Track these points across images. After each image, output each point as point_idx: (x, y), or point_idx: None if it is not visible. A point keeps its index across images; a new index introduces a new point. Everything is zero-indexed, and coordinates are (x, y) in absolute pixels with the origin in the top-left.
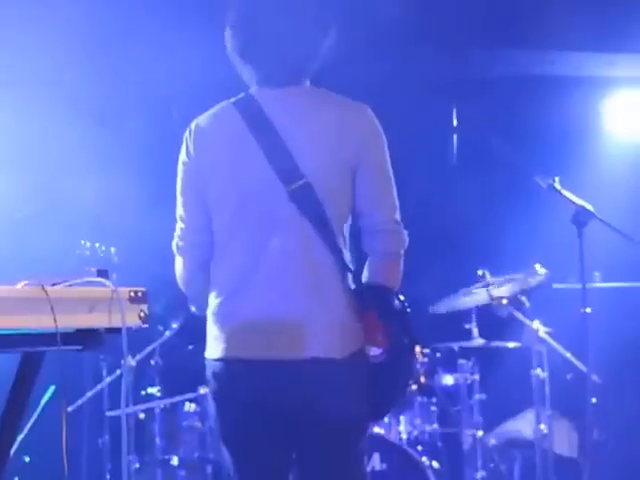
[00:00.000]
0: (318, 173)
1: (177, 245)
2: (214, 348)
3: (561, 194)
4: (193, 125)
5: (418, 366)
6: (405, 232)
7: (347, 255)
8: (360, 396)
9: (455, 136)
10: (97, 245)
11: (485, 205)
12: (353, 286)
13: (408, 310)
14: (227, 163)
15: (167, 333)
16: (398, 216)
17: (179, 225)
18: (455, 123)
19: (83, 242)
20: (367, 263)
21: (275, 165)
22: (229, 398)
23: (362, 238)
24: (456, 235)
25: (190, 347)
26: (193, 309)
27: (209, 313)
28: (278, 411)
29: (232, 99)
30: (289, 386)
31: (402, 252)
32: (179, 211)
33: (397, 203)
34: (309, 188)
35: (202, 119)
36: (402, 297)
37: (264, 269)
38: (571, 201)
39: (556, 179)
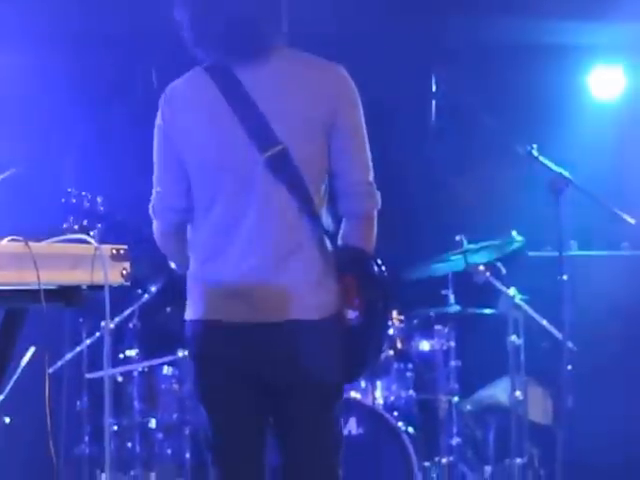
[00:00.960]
0: (293, 138)
1: (153, 208)
2: (194, 310)
3: (539, 161)
4: (168, 90)
5: (395, 332)
6: (378, 193)
7: (325, 218)
8: (336, 358)
9: (434, 102)
10: (83, 194)
11: (463, 171)
12: (330, 248)
13: (386, 275)
14: (202, 131)
15: (146, 296)
16: (372, 177)
17: (156, 188)
18: (434, 89)
19: (70, 190)
20: (342, 225)
21: (250, 131)
22: (208, 359)
23: (336, 199)
24: (433, 201)
25: (169, 310)
26: (173, 266)
27: (189, 276)
28: (256, 373)
29: (205, 64)
30: (267, 348)
31: (375, 213)
32: (155, 173)
33: (371, 164)
34: (285, 154)
35: (177, 84)
36: (380, 262)
37: (242, 234)
38: (549, 168)
39: (534, 146)
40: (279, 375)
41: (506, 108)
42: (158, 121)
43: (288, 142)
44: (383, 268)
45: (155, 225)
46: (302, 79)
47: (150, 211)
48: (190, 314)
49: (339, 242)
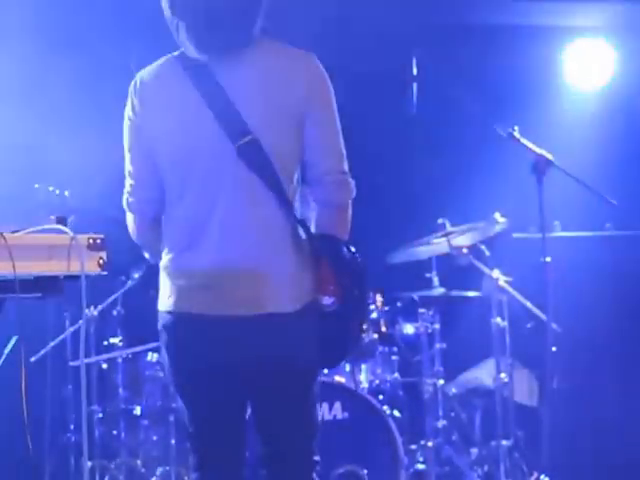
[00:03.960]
0: (265, 127)
1: (127, 201)
2: (166, 301)
3: (521, 143)
4: (138, 79)
5: (379, 315)
6: (352, 181)
7: (298, 206)
8: (312, 347)
9: (415, 85)
10: (51, 189)
11: (445, 154)
12: (304, 236)
13: (359, 260)
14: (172, 120)
15: (129, 283)
16: (346, 166)
17: (128, 181)
18: (415, 72)
19: (37, 186)
20: (315, 213)
21: (221, 121)
22: (180, 351)
23: (310, 188)
24: (416, 184)
25: (152, 297)
26: (147, 256)
27: (162, 267)
28: (230, 365)
29: (175, 52)
30: (240, 341)
31: (350, 202)
32: (128, 167)
33: (344, 152)
34: (256, 143)
35: (146, 74)
36: (352, 247)
37: (214, 225)
38: (531, 150)
39: (515, 128)
40: (254, 367)
41: (487, 90)
42: (128, 112)
43: (259, 132)
44: (355, 253)
45: (130, 219)
46: (274, 68)
47: (124, 204)
48: (162, 305)
49: (313, 230)
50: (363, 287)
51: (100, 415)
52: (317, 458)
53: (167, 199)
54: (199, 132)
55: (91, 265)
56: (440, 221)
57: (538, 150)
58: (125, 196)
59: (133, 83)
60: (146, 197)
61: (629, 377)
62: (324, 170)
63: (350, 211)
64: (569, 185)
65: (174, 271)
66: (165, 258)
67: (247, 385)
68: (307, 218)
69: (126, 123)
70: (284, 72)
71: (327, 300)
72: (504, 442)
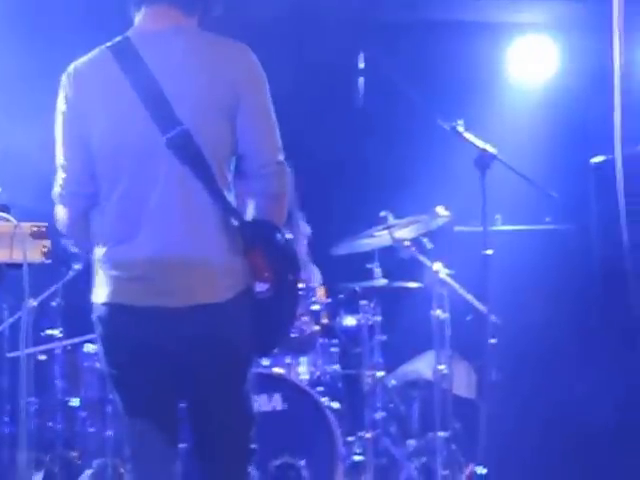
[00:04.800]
0: (196, 119)
1: (59, 194)
2: (100, 293)
3: (464, 137)
4: (70, 70)
5: (320, 307)
6: (289, 170)
7: (231, 196)
8: (245, 336)
9: (361, 79)
10: None
11: (390, 148)
12: (237, 225)
13: (293, 247)
14: (104, 112)
15: (70, 274)
16: (281, 155)
17: (60, 174)
18: (361, 66)
19: None
20: (252, 204)
21: (152, 112)
22: (114, 342)
23: (246, 180)
24: (360, 177)
25: (92, 288)
26: (75, 250)
27: (96, 259)
28: (163, 356)
29: (108, 43)
30: (174, 332)
31: (285, 192)
32: (59, 159)
33: (280, 142)
34: (187, 135)
35: (79, 65)
36: (287, 234)
37: (147, 218)
38: (474, 144)
39: (459, 122)
40: (188, 357)
41: (433, 85)
42: (60, 103)
43: (191, 123)
44: (289, 239)
45: (60, 211)
46: (207, 60)
47: (55, 197)
48: (96, 297)
49: (245, 218)
50: (297, 273)
51: (37, 407)
52: (254, 447)
53: (100, 192)
54: (130, 124)
55: (34, 253)
56: (383, 214)
57: (481, 144)
58: (56, 189)
59: (65, 74)
60: (80, 191)
61: (567, 369)
62: (260, 163)
63: (286, 200)
64: (511, 179)
65: (108, 263)
66: (99, 250)
67: (181, 376)
68: (241, 208)
69: (58, 115)
70: (217, 63)
71: (261, 287)
72: (442, 434)
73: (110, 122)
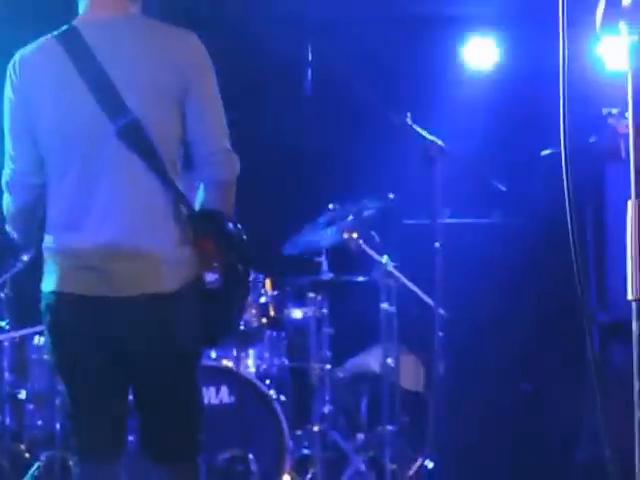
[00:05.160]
0: (145, 107)
1: (7, 184)
2: (48, 281)
3: (412, 129)
4: (17, 58)
5: (267, 299)
6: (236, 159)
7: (181, 185)
8: (193, 327)
9: (310, 70)
10: None
11: (338, 140)
12: (186, 213)
13: (244, 236)
14: (52, 100)
15: (18, 265)
16: (229, 143)
17: (9, 164)
18: (310, 58)
19: None
20: (199, 192)
21: (101, 101)
22: (61, 331)
23: (194, 167)
24: (308, 168)
25: (41, 280)
26: (17, 240)
27: (45, 248)
28: (111, 346)
29: (55, 32)
30: (121, 322)
31: (234, 179)
32: (8, 149)
33: (227, 129)
34: (136, 123)
35: (26, 53)
36: (238, 224)
37: (96, 206)
38: (422, 137)
39: (408, 115)
40: (135, 348)
41: (381, 78)
42: (7, 91)
43: (140, 111)
44: (241, 229)
45: (8, 201)
46: (155, 47)
47: (3, 185)
48: (45, 285)
49: (197, 208)
50: (247, 263)
51: None
52: (201, 439)
53: (48, 180)
54: (78, 112)
55: None
56: (330, 207)
57: (429, 137)
58: (5, 178)
59: (12, 62)
60: (28, 182)
61: (516, 362)
62: (209, 150)
63: (234, 189)
64: (459, 172)
65: (57, 252)
66: (48, 239)
67: (128, 367)
68: (190, 197)
69: (6, 104)
70: (166, 51)
71: (211, 277)
72: (390, 427)
73: (58, 110)
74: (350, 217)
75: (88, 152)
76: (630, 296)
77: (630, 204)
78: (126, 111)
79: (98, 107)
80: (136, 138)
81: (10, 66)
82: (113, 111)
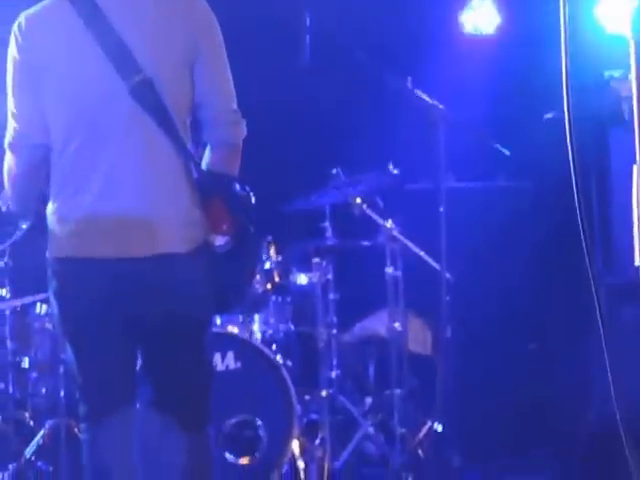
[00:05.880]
0: (157, 66)
1: (10, 144)
2: (56, 247)
3: (414, 94)
4: (23, 19)
5: (273, 265)
6: (244, 121)
7: (189, 145)
8: (204, 290)
9: (308, 36)
10: None
11: (339, 105)
12: (196, 175)
13: (252, 198)
14: (63, 59)
15: (17, 233)
16: (236, 105)
17: (12, 124)
18: (308, 23)
19: None
20: (207, 153)
21: (113, 60)
22: (69, 297)
23: (202, 128)
24: (310, 134)
25: (41, 247)
26: (9, 207)
27: (50, 213)
28: (122, 309)
29: None
30: (134, 284)
31: (241, 142)
32: (11, 108)
33: (234, 92)
34: (149, 82)
35: (33, 12)
36: (247, 187)
37: (105, 166)
38: (424, 101)
39: (408, 79)
40: (147, 311)
41: (381, 43)
42: (12, 51)
43: (152, 71)
44: (250, 191)
45: (11, 161)
46: (164, 10)
47: (6, 146)
48: (52, 251)
49: (203, 169)
50: (258, 226)
51: None
52: (210, 404)
53: (54, 142)
54: (89, 70)
55: None
56: (334, 171)
57: (431, 101)
58: (7, 138)
59: (17, 22)
60: (33, 141)
61: (522, 323)
62: (218, 110)
63: (240, 150)
64: (462, 136)
65: (63, 216)
66: (53, 203)
67: (137, 331)
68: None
69: (10, 63)
70: (175, 12)
71: (220, 240)
72: (398, 391)
73: (70, 70)
74: (353, 181)
75: (98, 111)
76: (637, 262)
77: (635, 169)
78: (139, 70)
79: (111, 66)
80: (149, 97)
81: (15, 26)
82: (125, 69)
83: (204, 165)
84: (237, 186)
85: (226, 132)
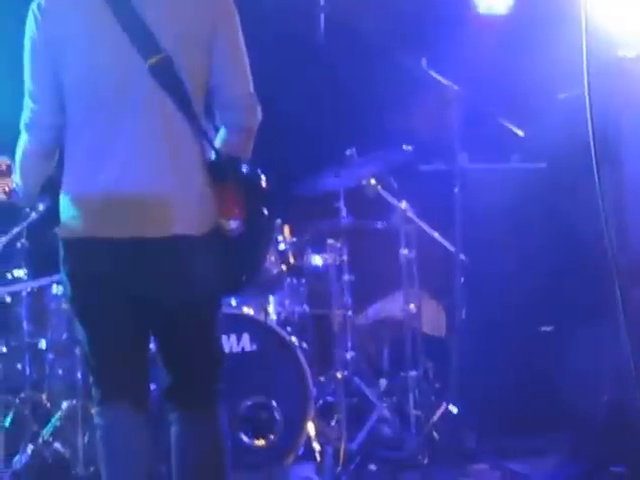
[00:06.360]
0: (177, 47)
1: (26, 125)
2: (70, 227)
3: (428, 74)
4: None
5: (287, 247)
6: (259, 106)
7: (205, 127)
8: (217, 273)
9: (322, 15)
10: None
11: (353, 86)
12: (210, 157)
13: (264, 182)
14: (81, 38)
15: (33, 214)
16: (252, 89)
17: (29, 103)
18: (322, 3)
19: None
20: (221, 135)
21: (134, 40)
22: (83, 278)
23: (218, 110)
24: (324, 115)
25: (57, 228)
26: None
27: (63, 193)
28: (135, 289)
29: None
30: (147, 264)
31: (256, 126)
32: (28, 86)
33: (250, 76)
34: (169, 62)
35: None
36: (259, 171)
37: (122, 145)
38: (438, 81)
39: (423, 60)
40: (160, 291)
41: (396, 22)
42: (30, 29)
43: (172, 51)
44: (262, 174)
45: (25, 143)
46: None
47: (22, 127)
48: (66, 232)
49: (217, 151)
50: (271, 209)
51: (4, 349)
52: (221, 386)
53: (71, 120)
54: (107, 49)
55: None
56: (348, 152)
57: (445, 82)
58: (24, 120)
59: (36, 1)
60: (49, 122)
61: (536, 305)
62: (235, 93)
63: (254, 134)
64: (476, 116)
65: (79, 195)
66: (68, 183)
67: (150, 311)
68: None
69: (28, 42)
70: None
71: (232, 224)
72: (413, 373)
73: (88, 48)
74: (367, 162)
75: (117, 90)
76: None
77: None
78: (159, 49)
79: (130, 45)
80: (167, 76)
81: (34, 5)
82: (145, 48)
83: (217, 146)
84: (247, 168)
85: (242, 115)
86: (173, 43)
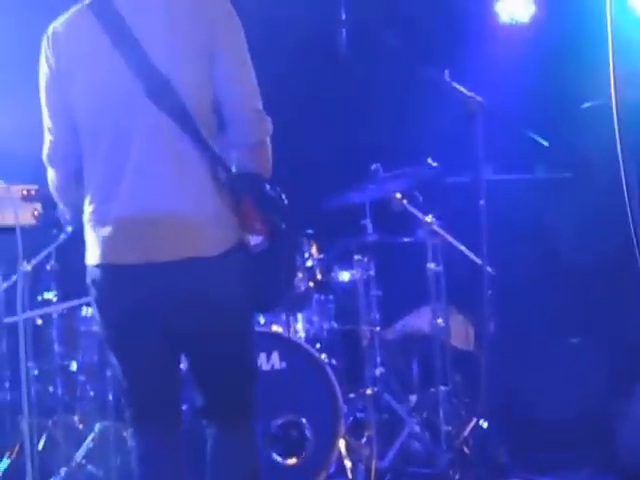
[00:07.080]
0: (175, 68)
1: (48, 157)
2: (92, 254)
3: (452, 86)
4: (50, 31)
5: (314, 263)
6: (268, 119)
7: (216, 146)
8: (240, 291)
9: (344, 30)
10: None
11: (377, 100)
12: (224, 176)
13: (283, 196)
14: (85, 68)
15: (62, 236)
16: (259, 103)
17: (48, 137)
18: (344, 17)
19: None
20: (235, 154)
21: (132, 65)
22: (109, 304)
23: (226, 128)
24: (348, 130)
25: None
26: (67, 216)
27: (85, 220)
28: (157, 314)
29: (86, 1)
30: (165, 288)
31: (267, 139)
32: (46, 122)
33: (257, 90)
34: (168, 85)
35: (58, 24)
36: (278, 187)
37: (130, 172)
38: (462, 93)
39: (446, 72)
40: (183, 315)
41: (418, 34)
42: (42, 65)
43: (170, 73)
44: (279, 190)
45: (52, 175)
46: (182, 6)
47: (45, 161)
48: (89, 259)
49: (234, 170)
50: (290, 223)
51: (36, 372)
52: (256, 402)
53: (84, 151)
54: (107, 75)
55: (26, 216)
56: (373, 167)
57: (469, 93)
58: (45, 152)
59: (45, 36)
60: (67, 152)
61: (565, 317)
62: (237, 109)
63: (269, 149)
64: (500, 128)
65: (96, 223)
66: (87, 210)
67: (177, 333)
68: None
69: (41, 78)
70: (191, 8)
71: (255, 239)
72: (443, 388)
73: (92, 76)
74: (392, 177)
75: (120, 118)
76: None
77: None
78: (156, 72)
79: (129, 72)
80: (169, 100)
81: (44, 40)
82: (144, 74)
83: (235, 165)
84: (267, 186)
85: (245, 131)
86: (172, 64)
